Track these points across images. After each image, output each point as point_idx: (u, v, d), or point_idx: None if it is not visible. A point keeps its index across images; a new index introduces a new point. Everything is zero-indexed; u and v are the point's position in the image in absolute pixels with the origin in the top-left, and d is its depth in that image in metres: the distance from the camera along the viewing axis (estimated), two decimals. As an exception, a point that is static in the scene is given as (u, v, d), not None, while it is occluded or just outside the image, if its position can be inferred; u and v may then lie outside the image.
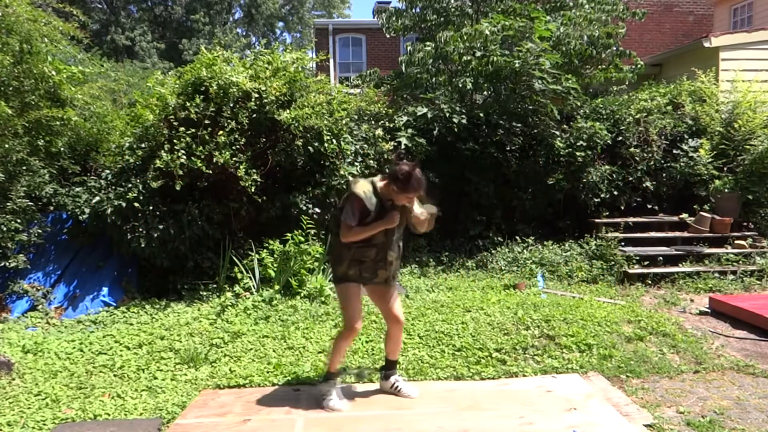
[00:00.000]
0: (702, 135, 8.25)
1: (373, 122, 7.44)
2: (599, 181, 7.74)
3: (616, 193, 7.86)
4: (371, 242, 3.26)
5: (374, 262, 3.31)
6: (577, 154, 7.55)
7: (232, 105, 5.82)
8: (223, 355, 4.29)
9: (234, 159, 5.71)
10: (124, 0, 27.58)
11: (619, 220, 7.70)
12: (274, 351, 4.34)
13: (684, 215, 7.73)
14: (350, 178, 3.32)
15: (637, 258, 6.88)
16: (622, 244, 7.19)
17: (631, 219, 7.74)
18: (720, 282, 6.46)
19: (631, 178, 7.98)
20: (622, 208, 7.97)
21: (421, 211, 3.38)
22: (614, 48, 8.51)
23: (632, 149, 7.98)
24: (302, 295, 5.60)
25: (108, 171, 6.17)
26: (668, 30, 15.37)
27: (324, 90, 6.67)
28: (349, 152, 6.63)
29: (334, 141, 6.31)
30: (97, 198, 5.82)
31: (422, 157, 7.25)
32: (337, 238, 3.32)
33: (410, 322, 4.83)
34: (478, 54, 7.34)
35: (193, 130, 5.66)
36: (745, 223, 7.70)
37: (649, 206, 8.10)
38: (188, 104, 5.70)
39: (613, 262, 6.83)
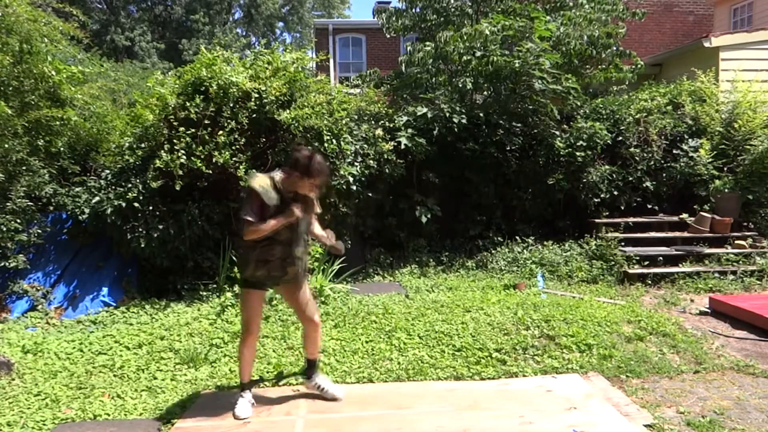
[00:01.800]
0: (702, 135, 8.25)
1: (373, 122, 7.44)
2: (599, 181, 7.74)
3: (616, 193, 7.86)
4: (276, 240, 3.19)
5: (281, 260, 3.25)
6: (577, 154, 7.55)
7: (232, 105, 5.82)
8: (223, 355, 4.29)
9: (234, 159, 5.71)
10: (124, 0, 27.56)
11: (619, 220, 7.70)
12: (274, 351, 4.34)
13: (684, 215, 7.73)
14: (249, 174, 3.27)
15: (637, 258, 6.88)
16: (622, 244, 7.19)
17: (631, 219, 7.74)
18: (720, 282, 6.46)
19: (631, 178, 7.98)
20: (622, 208, 7.97)
21: (326, 236, 3.37)
22: (614, 48, 8.51)
23: (632, 149, 7.99)
24: (302, 295, 5.59)
25: (108, 171, 6.17)
26: (668, 30, 15.37)
27: (324, 90, 6.66)
28: (349, 152, 6.63)
29: (334, 141, 6.31)
30: (97, 198, 5.82)
31: (422, 157, 7.26)
32: (242, 240, 3.24)
33: (410, 322, 4.82)
34: (478, 54, 7.34)
35: (193, 130, 5.67)
36: (745, 223, 7.70)
37: (649, 206, 8.10)
38: (188, 104, 5.70)
39: (613, 262, 6.83)
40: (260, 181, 3.14)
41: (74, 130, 6.39)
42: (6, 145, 5.53)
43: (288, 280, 3.37)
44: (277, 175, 3.21)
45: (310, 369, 3.59)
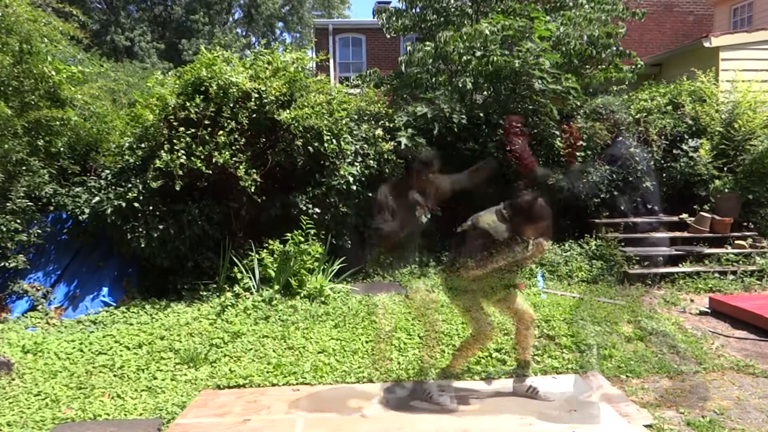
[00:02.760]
0: (702, 135, 8.24)
1: (373, 122, 7.44)
2: (599, 181, 7.74)
3: (616, 193, 7.86)
4: None
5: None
6: (577, 154, 7.54)
7: (231, 105, 5.82)
8: (223, 355, 4.29)
9: (234, 159, 5.71)
10: (124, 0, 27.56)
11: (619, 220, 7.70)
12: (274, 351, 4.34)
13: (684, 215, 7.73)
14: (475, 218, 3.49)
15: (637, 258, 6.88)
16: (622, 244, 7.19)
17: (631, 219, 7.74)
18: (720, 282, 6.46)
19: (631, 178, 7.97)
20: (622, 208, 7.96)
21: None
22: (614, 48, 8.50)
23: (632, 149, 7.98)
24: (302, 295, 5.60)
25: (108, 171, 6.17)
26: (668, 30, 15.36)
27: (324, 90, 6.66)
28: (349, 152, 6.63)
29: (334, 141, 6.31)
30: (97, 198, 5.83)
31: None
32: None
33: (410, 322, 4.83)
34: (478, 54, 7.34)
35: (193, 130, 5.67)
36: (745, 223, 7.69)
37: (649, 206, 8.09)
38: (188, 104, 5.70)
39: (613, 262, 6.82)
40: (486, 219, 3.37)
41: (74, 130, 6.39)
42: (6, 145, 5.54)
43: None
44: (504, 210, 3.40)
45: (520, 369, 3.61)
